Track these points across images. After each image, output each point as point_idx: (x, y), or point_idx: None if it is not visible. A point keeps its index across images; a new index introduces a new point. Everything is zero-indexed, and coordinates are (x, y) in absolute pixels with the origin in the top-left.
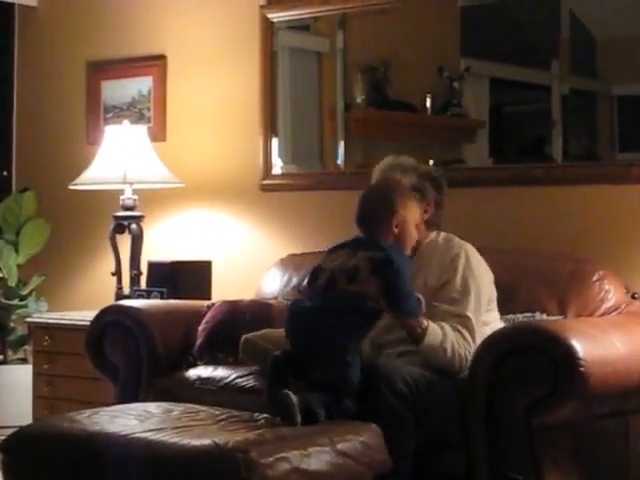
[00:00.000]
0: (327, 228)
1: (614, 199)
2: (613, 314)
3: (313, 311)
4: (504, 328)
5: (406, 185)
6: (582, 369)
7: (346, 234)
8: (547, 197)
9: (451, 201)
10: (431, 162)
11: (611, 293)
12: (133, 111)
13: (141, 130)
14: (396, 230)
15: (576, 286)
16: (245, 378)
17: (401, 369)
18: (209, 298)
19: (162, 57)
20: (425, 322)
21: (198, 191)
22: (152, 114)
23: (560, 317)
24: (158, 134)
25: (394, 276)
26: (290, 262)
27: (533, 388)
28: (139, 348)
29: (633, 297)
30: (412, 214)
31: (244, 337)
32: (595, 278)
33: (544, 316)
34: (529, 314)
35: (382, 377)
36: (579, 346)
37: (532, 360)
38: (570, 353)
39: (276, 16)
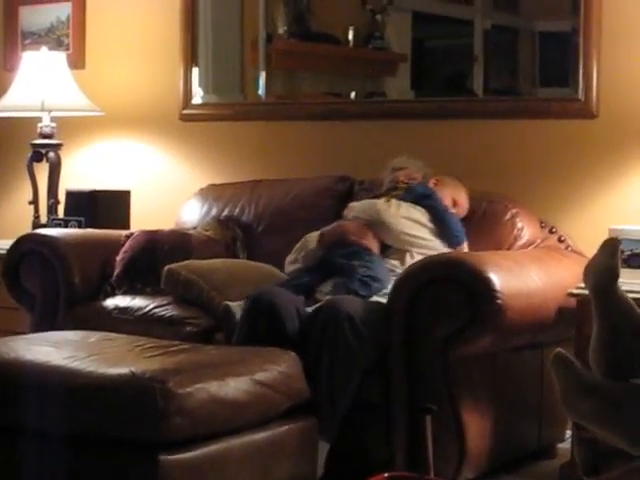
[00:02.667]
0: (247, 158)
1: (534, 134)
2: (529, 248)
3: None
4: (421, 261)
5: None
6: (499, 301)
7: (265, 165)
8: (468, 131)
9: (372, 133)
10: (352, 94)
11: (525, 230)
12: (51, 37)
13: (60, 57)
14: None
15: (489, 225)
16: (163, 308)
17: (356, 306)
18: (128, 228)
19: None
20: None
21: (117, 120)
22: (71, 41)
23: None
24: (77, 61)
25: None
26: (210, 192)
27: (450, 320)
28: (56, 277)
29: (550, 231)
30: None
31: (167, 268)
32: (508, 216)
33: None
34: None
35: (346, 318)
36: (496, 278)
37: (450, 292)
38: (487, 285)
39: None
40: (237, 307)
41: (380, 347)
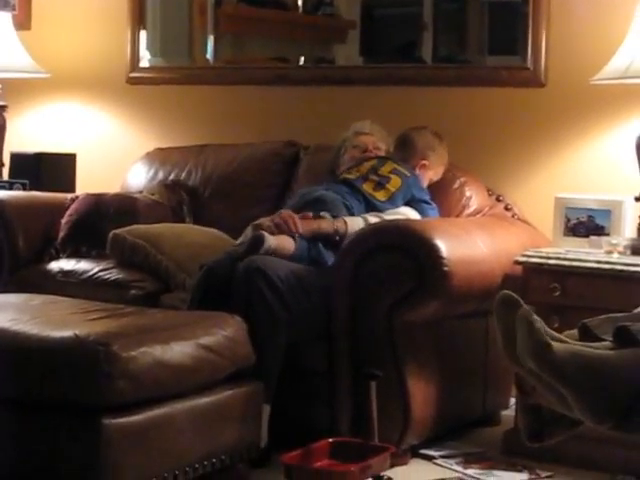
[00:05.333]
0: (194, 123)
1: (482, 102)
2: (477, 216)
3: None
4: (369, 226)
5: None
6: (445, 268)
7: (213, 129)
8: (416, 98)
9: (320, 100)
10: (302, 59)
11: (472, 198)
12: None
13: (5, 17)
14: (417, 170)
15: (437, 194)
16: (108, 271)
17: (275, 264)
18: (73, 191)
19: None
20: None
21: (64, 82)
22: (17, 1)
23: None
24: (23, 22)
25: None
26: (156, 156)
27: (396, 287)
28: None
29: (497, 200)
30: (431, 171)
31: (112, 233)
32: (456, 185)
33: None
34: None
35: (259, 272)
36: (443, 245)
37: (395, 259)
38: (433, 252)
39: None
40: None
41: (325, 313)
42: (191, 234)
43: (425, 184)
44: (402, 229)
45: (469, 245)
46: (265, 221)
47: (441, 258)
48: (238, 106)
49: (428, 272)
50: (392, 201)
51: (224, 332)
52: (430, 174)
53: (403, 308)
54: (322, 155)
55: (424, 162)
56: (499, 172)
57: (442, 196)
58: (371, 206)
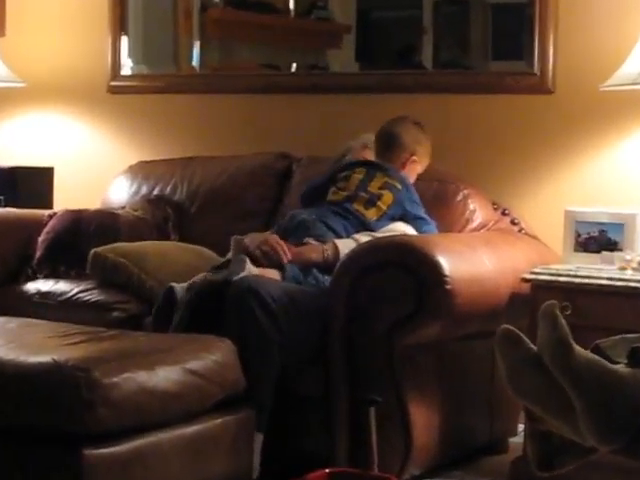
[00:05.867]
0: (180, 134)
1: (486, 110)
2: (482, 231)
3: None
4: (367, 243)
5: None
6: (448, 287)
7: (200, 141)
8: (416, 106)
9: (313, 108)
10: (293, 66)
11: (477, 212)
12: None
13: None
14: (407, 166)
15: (440, 207)
16: (88, 292)
17: (267, 283)
18: (51, 207)
19: None
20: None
21: (40, 91)
22: None
23: None
24: None
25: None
26: (139, 169)
27: (396, 307)
28: None
29: (503, 213)
30: (419, 165)
31: (93, 251)
32: (459, 198)
33: None
34: None
35: (251, 292)
36: (445, 262)
37: (395, 277)
38: (435, 270)
39: None
40: (181, 289)
41: (320, 335)
42: (177, 252)
43: (413, 179)
44: (401, 245)
45: (473, 262)
46: (251, 244)
47: (443, 276)
48: (226, 116)
49: (429, 291)
50: (384, 219)
51: (213, 356)
52: (418, 169)
53: (403, 330)
54: (315, 167)
55: (414, 158)
56: (505, 184)
57: (444, 209)
58: (362, 225)
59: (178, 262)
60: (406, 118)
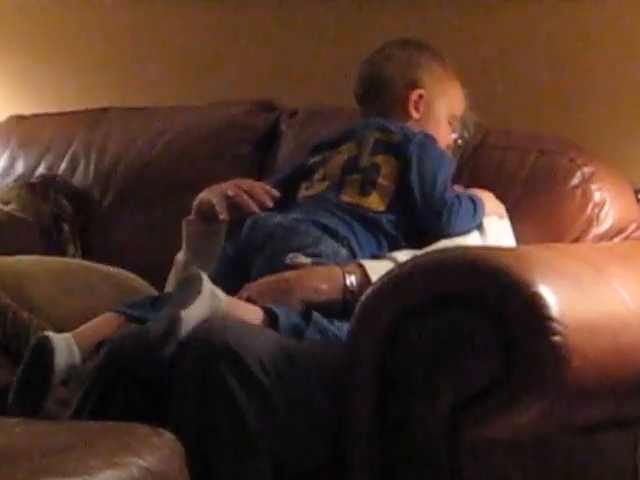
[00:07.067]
0: (83, 63)
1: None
2: (615, 240)
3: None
4: (407, 263)
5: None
6: (556, 338)
7: (121, 78)
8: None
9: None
10: None
11: (608, 205)
12: None
13: None
14: (416, 114)
15: (542, 195)
16: None
17: (253, 337)
18: None
19: None
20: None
21: None
22: None
23: None
24: None
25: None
26: (13, 131)
27: (463, 375)
28: None
29: None
30: (442, 104)
31: None
32: (576, 180)
33: None
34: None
35: (225, 354)
36: (551, 296)
37: (463, 323)
38: (534, 310)
39: None
40: (62, 341)
41: (335, 421)
42: (79, 276)
43: (442, 135)
44: (474, 265)
45: (601, 296)
46: (214, 198)
47: (548, 319)
48: (169, 32)
49: (523, 347)
50: (398, 205)
51: (141, 461)
52: (442, 110)
53: (475, 413)
54: (318, 125)
55: (419, 92)
56: None
57: (550, 198)
58: (367, 222)
59: (83, 293)
60: (396, 42)
